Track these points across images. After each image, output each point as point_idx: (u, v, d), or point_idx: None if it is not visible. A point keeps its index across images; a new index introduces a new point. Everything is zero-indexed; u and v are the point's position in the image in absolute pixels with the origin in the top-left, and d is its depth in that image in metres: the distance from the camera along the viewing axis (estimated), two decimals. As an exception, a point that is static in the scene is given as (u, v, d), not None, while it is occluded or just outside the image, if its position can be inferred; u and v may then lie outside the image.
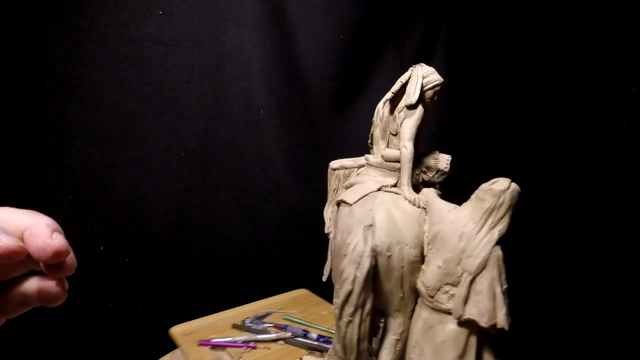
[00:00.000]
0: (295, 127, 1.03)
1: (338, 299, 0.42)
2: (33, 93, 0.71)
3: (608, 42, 0.68)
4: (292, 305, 0.92)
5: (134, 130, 0.82)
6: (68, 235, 0.27)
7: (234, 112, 0.93)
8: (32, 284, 0.26)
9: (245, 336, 0.76)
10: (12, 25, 0.68)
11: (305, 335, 0.77)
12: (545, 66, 0.77)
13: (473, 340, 0.40)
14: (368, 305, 0.42)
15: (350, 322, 0.41)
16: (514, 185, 0.39)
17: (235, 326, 0.80)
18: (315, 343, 0.75)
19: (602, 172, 0.69)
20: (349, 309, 0.41)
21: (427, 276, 0.42)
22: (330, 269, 0.56)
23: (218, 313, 0.87)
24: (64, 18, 0.72)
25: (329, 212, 0.58)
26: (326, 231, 0.58)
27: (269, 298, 0.95)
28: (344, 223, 0.46)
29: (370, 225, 0.42)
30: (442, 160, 0.50)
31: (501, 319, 0.37)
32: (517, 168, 0.79)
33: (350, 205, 0.47)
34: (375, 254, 0.41)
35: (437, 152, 0.51)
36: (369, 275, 0.41)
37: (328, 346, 0.73)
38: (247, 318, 0.83)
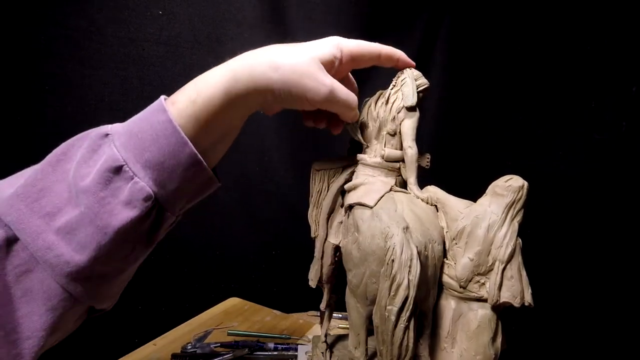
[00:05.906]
0: (295, 127, 1.03)
1: (394, 306, 0.40)
2: (33, 93, 0.71)
3: (608, 42, 0.68)
4: (229, 318, 0.81)
5: (134, 130, 0.82)
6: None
7: (234, 112, 0.93)
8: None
9: (197, 367, 0.65)
10: (12, 26, 0.68)
11: (262, 347, 0.70)
12: (545, 66, 0.77)
13: (499, 322, 0.44)
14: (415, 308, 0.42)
15: (406, 327, 0.41)
16: (525, 182, 0.44)
17: (176, 357, 0.69)
18: (276, 353, 0.69)
19: (602, 172, 0.69)
20: (405, 315, 0.40)
21: (459, 269, 0.44)
22: (321, 274, 0.55)
23: (145, 345, 0.74)
24: (64, 18, 0.72)
25: (314, 215, 0.57)
26: (313, 235, 0.57)
27: (199, 316, 0.83)
28: (369, 226, 0.44)
29: (407, 227, 0.42)
30: (423, 159, 0.50)
31: (528, 297, 0.43)
32: (517, 168, 0.79)
33: (372, 207, 0.46)
34: (419, 255, 0.41)
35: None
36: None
37: (289, 354, 0.69)
38: (188, 343, 0.72)
